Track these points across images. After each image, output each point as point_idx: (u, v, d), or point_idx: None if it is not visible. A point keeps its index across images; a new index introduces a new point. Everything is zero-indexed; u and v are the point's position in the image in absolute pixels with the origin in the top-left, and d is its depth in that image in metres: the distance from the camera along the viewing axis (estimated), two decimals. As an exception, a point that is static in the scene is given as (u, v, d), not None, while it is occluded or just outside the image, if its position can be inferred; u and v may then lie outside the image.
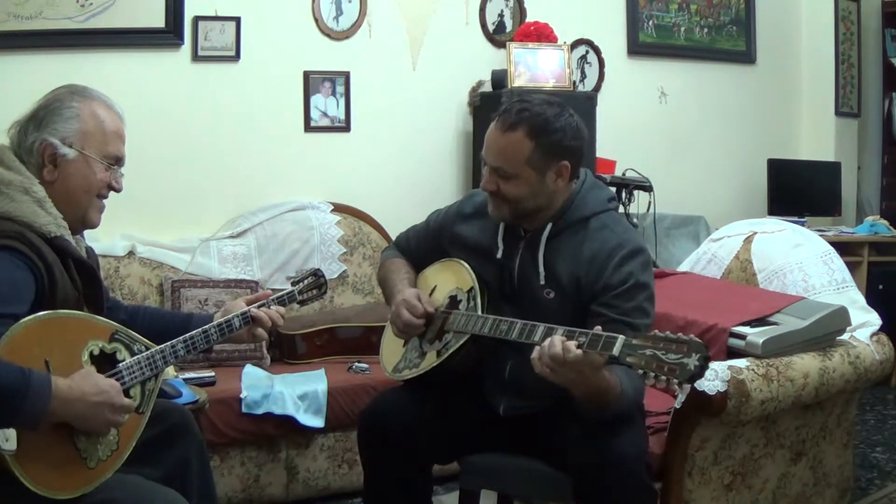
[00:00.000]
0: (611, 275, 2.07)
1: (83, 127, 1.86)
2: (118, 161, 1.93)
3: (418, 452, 2.21)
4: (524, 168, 2.08)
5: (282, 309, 2.12)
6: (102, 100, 1.93)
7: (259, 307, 2.08)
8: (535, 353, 1.87)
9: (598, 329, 1.83)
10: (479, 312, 2.18)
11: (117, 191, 1.94)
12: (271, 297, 2.12)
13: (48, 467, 1.63)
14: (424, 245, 2.44)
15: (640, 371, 1.72)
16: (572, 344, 1.82)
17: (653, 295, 2.12)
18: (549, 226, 2.16)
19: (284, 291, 2.20)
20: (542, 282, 2.15)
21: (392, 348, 2.37)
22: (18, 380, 1.55)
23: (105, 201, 1.95)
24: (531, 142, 2.06)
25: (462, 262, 2.31)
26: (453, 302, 2.28)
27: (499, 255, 2.22)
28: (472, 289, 2.23)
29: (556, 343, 1.82)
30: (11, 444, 1.57)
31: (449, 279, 2.33)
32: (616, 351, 1.76)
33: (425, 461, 2.29)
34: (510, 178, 2.09)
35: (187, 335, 1.95)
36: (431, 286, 2.37)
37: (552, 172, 2.10)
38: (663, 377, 1.68)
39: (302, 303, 2.26)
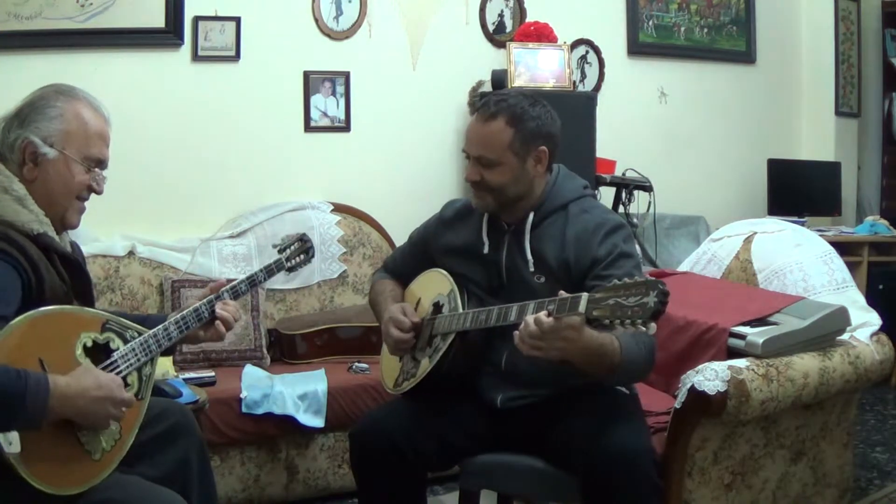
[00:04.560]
0: (597, 249, 2.16)
1: (66, 127, 1.85)
2: (100, 164, 1.91)
3: (413, 465, 2.21)
4: (506, 154, 2.17)
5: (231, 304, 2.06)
6: (88, 101, 1.91)
7: (216, 299, 2.04)
8: (516, 339, 1.91)
9: (561, 293, 1.88)
10: (461, 311, 2.23)
11: (98, 193, 1.92)
12: (225, 288, 2.08)
13: (54, 465, 1.63)
14: (411, 261, 2.49)
15: (607, 321, 1.77)
16: (543, 315, 1.86)
17: (640, 264, 2.22)
18: (532, 215, 2.23)
19: (272, 261, 2.18)
20: (532, 269, 2.22)
21: (390, 365, 2.41)
22: (15, 382, 1.54)
23: (96, 202, 1.93)
24: (511, 128, 2.17)
25: (438, 269, 2.37)
26: (437, 308, 2.32)
27: (485, 251, 2.28)
28: (451, 291, 2.29)
29: (529, 322, 1.88)
30: (15, 447, 1.57)
31: (430, 288, 2.38)
32: (582, 308, 1.81)
33: (422, 471, 2.29)
34: (493, 165, 2.18)
35: (178, 316, 1.96)
36: (416, 298, 2.42)
37: (532, 158, 2.20)
38: (629, 321, 1.73)
39: (291, 269, 2.24)
